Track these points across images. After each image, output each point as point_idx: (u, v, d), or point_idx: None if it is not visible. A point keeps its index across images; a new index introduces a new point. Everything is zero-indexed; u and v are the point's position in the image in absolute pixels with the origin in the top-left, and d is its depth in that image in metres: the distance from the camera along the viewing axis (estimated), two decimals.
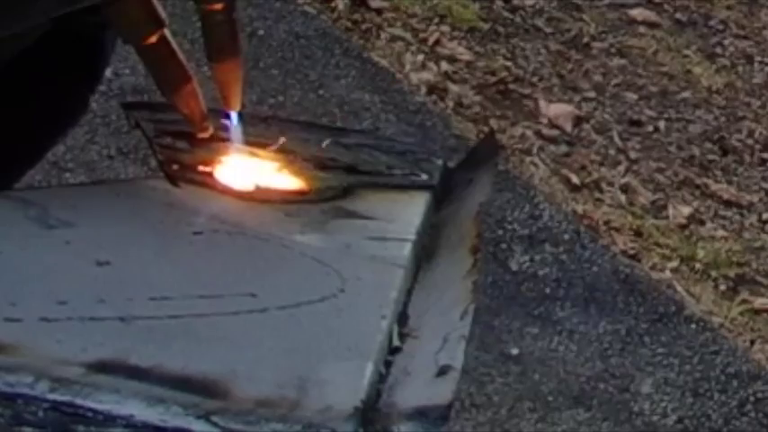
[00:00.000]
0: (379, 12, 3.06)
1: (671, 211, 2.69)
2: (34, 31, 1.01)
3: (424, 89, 2.85)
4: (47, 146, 1.23)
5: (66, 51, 1.09)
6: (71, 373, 0.73)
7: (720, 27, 3.36)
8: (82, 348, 0.75)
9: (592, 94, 2.99)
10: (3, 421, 0.70)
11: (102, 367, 0.74)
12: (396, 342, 0.83)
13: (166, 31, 0.94)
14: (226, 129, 0.99)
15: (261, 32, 2.75)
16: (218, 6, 0.95)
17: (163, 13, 0.94)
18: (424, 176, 1.00)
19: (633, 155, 2.83)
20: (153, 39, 0.93)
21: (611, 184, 2.73)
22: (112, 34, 1.13)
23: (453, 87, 2.89)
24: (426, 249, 0.94)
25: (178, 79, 0.95)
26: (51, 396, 0.71)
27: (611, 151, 2.83)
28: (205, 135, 0.98)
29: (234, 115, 0.99)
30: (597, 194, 2.69)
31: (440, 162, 1.02)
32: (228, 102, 0.98)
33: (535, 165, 2.72)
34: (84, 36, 1.11)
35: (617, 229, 2.59)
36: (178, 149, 0.99)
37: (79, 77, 1.16)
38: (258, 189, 0.97)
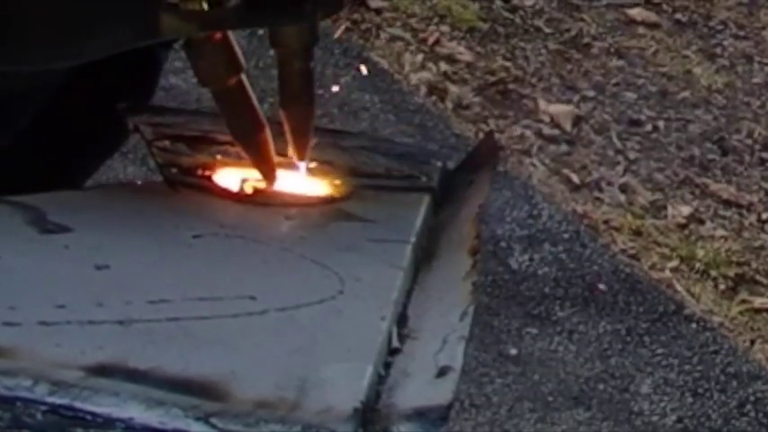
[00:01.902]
0: (378, 12, 3.06)
1: (670, 210, 2.69)
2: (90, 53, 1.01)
3: (423, 89, 2.85)
4: (103, 158, 1.24)
5: (124, 65, 1.09)
6: (70, 376, 0.73)
7: (720, 27, 3.36)
8: (81, 351, 0.75)
9: (591, 94, 2.99)
10: (2, 424, 0.70)
11: (101, 370, 0.74)
12: (395, 343, 0.83)
13: (243, 77, 0.93)
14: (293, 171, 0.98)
15: (261, 32, 2.75)
16: (293, 52, 0.94)
17: (242, 59, 0.93)
18: (424, 179, 1.00)
19: (632, 155, 2.83)
20: (230, 83, 0.92)
21: (610, 183, 2.73)
22: (167, 51, 1.13)
23: (453, 88, 2.89)
24: (426, 251, 0.94)
25: (251, 126, 0.94)
26: (50, 399, 0.71)
27: (611, 151, 2.83)
28: (270, 185, 0.97)
29: (302, 165, 0.97)
30: (597, 194, 2.69)
31: (439, 164, 1.02)
32: (297, 151, 0.97)
33: (534, 165, 2.72)
34: (142, 51, 1.11)
35: (616, 229, 2.59)
36: (177, 153, 0.99)
37: (134, 91, 1.16)
38: (257, 192, 0.97)
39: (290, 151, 0.97)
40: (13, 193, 0.92)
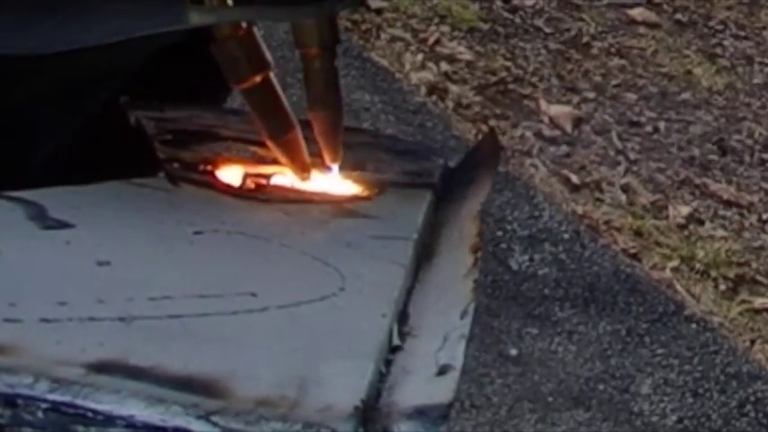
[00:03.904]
0: (379, 12, 3.06)
1: (671, 211, 2.69)
2: (166, 37, 0.99)
3: (423, 89, 2.85)
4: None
5: (200, 62, 1.08)
6: (71, 373, 0.72)
7: (720, 27, 3.36)
8: (81, 349, 0.75)
9: (592, 95, 2.99)
10: (2, 422, 0.70)
11: (102, 367, 0.73)
12: (396, 341, 0.82)
13: (271, 75, 0.92)
14: (324, 177, 0.97)
15: (261, 32, 2.75)
16: (314, 52, 0.92)
17: (269, 56, 0.91)
18: (425, 175, 1.00)
19: (633, 155, 2.83)
20: (254, 81, 0.90)
21: (611, 184, 2.73)
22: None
23: (453, 87, 2.89)
24: (427, 248, 0.94)
25: (279, 126, 0.92)
26: (51, 396, 0.71)
27: (611, 152, 2.83)
28: (304, 183, 0.96)
29: (334, 168, 0.96)
30: (597, 194, 2.69)
31: (440, 161, 1.01)
32: (325, 154, 0.95)
33: (535, 165, 2.72)
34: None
35: (617, 229, 2.60)
36: (179, 148, 0.99)
37: (210, 89, 1.14)
38: (259, 188, 0.97)
39: (323, 154, 0.96)
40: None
